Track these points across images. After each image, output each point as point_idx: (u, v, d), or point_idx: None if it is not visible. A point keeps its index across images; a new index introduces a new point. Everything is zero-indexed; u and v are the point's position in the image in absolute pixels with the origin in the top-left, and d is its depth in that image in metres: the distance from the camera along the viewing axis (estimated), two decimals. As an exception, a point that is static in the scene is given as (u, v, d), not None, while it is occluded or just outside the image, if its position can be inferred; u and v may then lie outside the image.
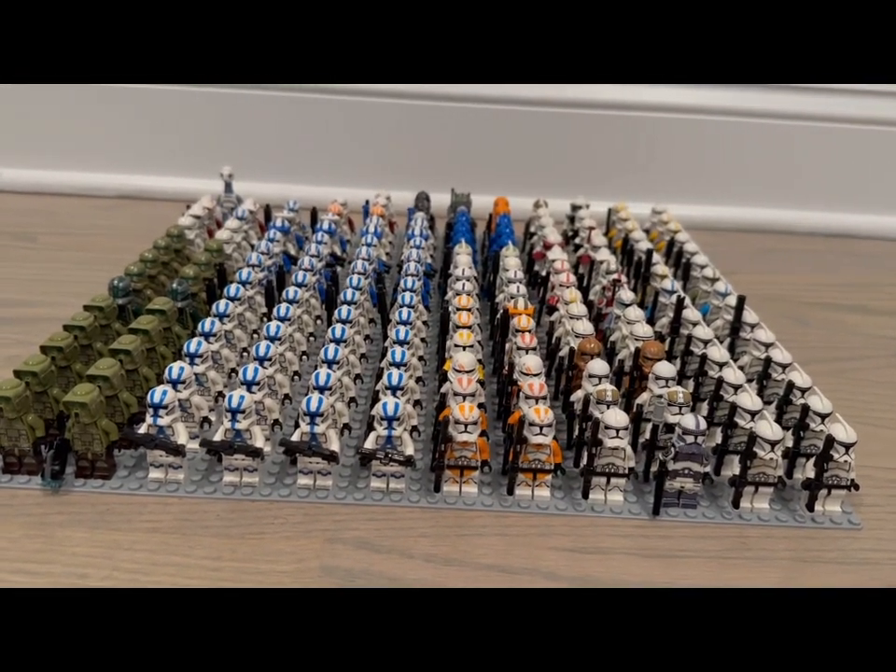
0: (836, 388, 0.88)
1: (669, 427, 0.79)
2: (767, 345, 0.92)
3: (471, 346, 0.87)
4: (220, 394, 0.87)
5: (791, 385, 0.84)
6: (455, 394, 0.79)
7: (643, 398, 0.84)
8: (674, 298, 1.02)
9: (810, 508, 0.78)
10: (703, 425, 0.74)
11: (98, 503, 0.74)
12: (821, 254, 1.60)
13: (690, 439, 0.74)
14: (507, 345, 0.92)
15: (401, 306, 0.96)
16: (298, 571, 0.67)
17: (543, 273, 1.15)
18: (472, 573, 0.69)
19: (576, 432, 0.82)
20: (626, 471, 0.77)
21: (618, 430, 0.75)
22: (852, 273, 1.50)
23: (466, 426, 0.74)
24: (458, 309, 0.95)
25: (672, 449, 0.75)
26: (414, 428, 0.83)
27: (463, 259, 1.09)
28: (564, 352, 0.94)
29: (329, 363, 0.82)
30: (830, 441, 0.74)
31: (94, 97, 1.57)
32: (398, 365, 0.83)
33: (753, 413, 0.78)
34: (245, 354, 0.96)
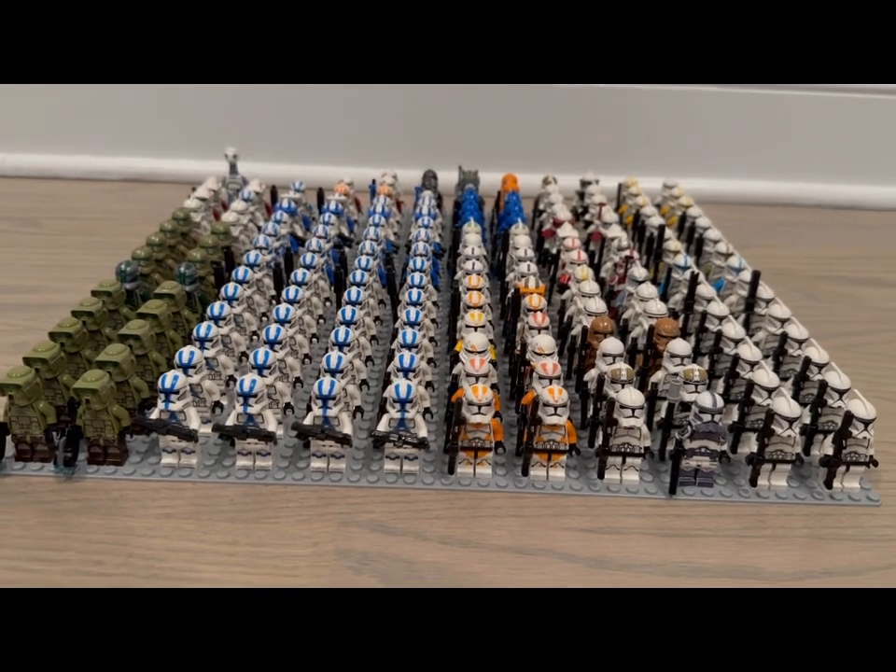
0: (848, 363, 0.87)
1: (685, 406, 0.78)
2: (783, 321, 0.91)
3: (483, 327, 0.87)
4: (231, 378, 0.86)
5: (807, 361, 0.83)
6: (468, 375, 0.78)
7: (658, 376, 0.83)
8: (687, 274, 1.01)
9: (828, 485, 0.77)
10: (720, 403, 0.73)
11: (111, 489, 0.74)
12: (831, 227, 1.58)
13: (706, 417, 0.73)
14: (519, 325, 0.91)
15: (411, 287, 0.95)
16: (313, 555, 0.67)
17: (554, 251, 1.14)
18: (488, 554, 0.68)
19: (590, 412, 0.81)
20: (642, 451, 0.76)
21: (633, 410, 0.74)
22: (863, 246, 1.48)
23: (479, 407, 0.74)
24: (469, 289, 0.94)
25: (688, 427, 0.74)
26: (427, 410, 0.82)
27: (472, 237, 1.08)
28: (576, 331, 0.93)
29: (340, 345, 0.82)
30: (849, 417, 0.73)
31: (96, 79, 1.56)
32: (409, 346, 0.82)
33: (770, 390, 0.77)
34: (254, 337, 0.95)
